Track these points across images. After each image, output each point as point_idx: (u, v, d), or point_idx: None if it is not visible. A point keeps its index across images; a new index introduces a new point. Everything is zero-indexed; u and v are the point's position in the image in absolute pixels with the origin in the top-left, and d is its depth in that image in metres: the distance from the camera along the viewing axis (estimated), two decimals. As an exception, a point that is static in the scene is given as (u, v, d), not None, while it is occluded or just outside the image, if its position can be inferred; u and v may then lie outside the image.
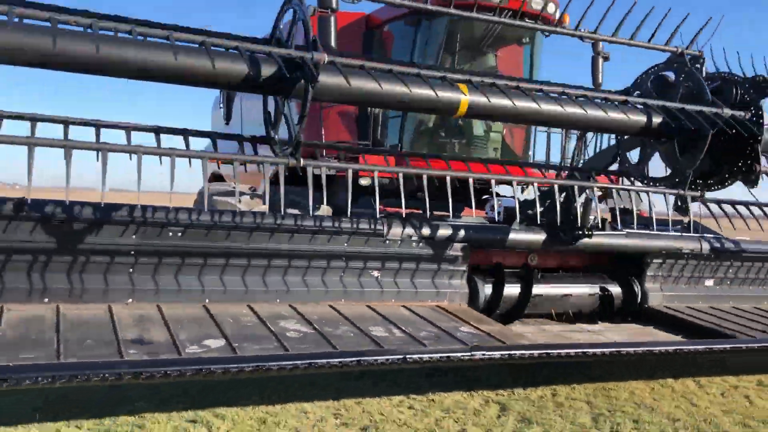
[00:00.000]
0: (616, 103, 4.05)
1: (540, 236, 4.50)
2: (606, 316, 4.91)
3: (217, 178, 7.62)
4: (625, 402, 4.17)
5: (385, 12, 6.13)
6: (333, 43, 5.05)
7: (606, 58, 6.67)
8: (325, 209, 4.34)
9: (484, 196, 5.59)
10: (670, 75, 4.36)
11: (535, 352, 3.55)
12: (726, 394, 4.50)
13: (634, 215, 4.51)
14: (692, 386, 4.62)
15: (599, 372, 4.72)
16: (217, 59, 3.06)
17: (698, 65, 4.19)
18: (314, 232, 3.79)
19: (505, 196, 4.82)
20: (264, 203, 3.68)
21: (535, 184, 4.29)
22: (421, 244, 4.12)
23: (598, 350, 3.90)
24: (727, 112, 3.92)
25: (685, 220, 4.85)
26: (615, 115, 3.99)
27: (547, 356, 3.58)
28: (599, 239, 4.60)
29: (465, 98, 3.59)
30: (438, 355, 3.20)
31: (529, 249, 4.62)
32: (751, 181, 4.11)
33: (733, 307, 5.15)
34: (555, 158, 6.77)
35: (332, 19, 5.52)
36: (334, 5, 4.75)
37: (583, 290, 4.79)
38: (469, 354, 3.23)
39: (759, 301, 5.38)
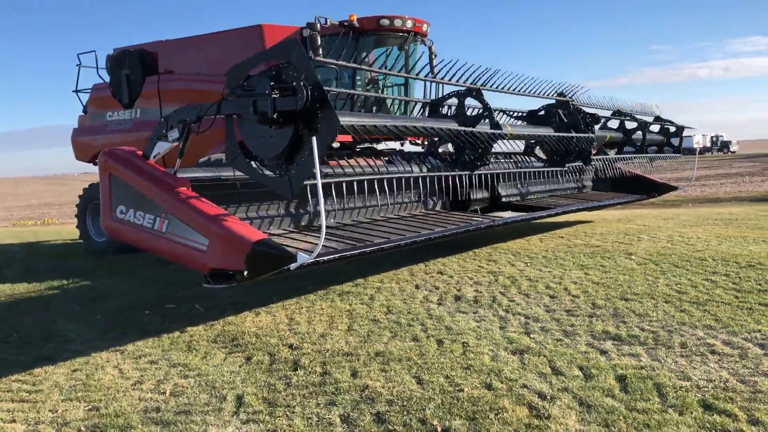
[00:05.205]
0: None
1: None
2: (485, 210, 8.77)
3: None
4: (512, 247, 8.17)
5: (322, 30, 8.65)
6: (320, 52, 7.68)
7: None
8: None
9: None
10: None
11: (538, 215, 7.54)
12: (546, 240, 8.84)
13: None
14: (533, 239, 8.88)
15: (492, 239, 8.68)
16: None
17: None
18: None
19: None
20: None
21: None
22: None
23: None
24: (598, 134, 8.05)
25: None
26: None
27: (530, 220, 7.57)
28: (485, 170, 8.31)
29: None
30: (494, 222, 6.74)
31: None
32: (589, 162, 8.38)
33: (534, 197, 9.52)
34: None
35: (318, 37, 8.01)
36: (317, 28, 7.59)
37: (482, 194, 8.58)
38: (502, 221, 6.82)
39: (545, 193, 9.85)
